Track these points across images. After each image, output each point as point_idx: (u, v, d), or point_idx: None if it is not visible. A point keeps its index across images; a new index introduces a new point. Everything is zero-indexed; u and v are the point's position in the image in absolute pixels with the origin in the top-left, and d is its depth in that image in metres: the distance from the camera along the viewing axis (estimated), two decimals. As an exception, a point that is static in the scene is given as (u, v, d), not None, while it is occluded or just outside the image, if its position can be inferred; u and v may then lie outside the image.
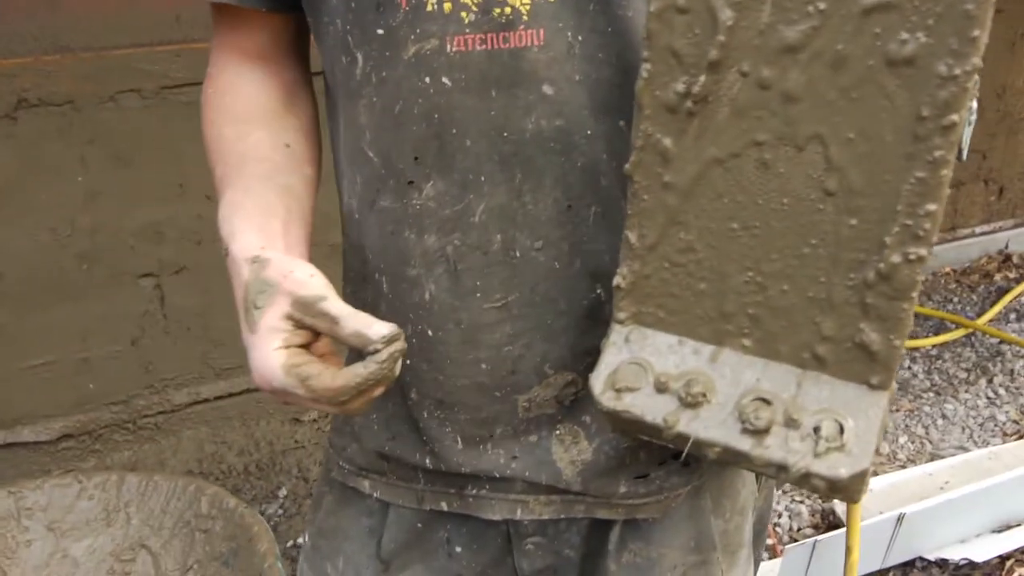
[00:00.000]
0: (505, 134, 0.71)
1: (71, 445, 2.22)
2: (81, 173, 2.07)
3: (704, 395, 0.64)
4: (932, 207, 0.57)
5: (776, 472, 0.62)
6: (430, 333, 0.77)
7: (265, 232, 0.73)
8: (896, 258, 0.58)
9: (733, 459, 0.64)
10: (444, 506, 0.84)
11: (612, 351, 0.69)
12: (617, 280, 0.68)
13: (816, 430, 0.60)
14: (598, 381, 0.68)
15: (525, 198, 0.72)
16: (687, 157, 0.63)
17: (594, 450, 0.79)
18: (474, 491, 0.82)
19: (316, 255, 2.26)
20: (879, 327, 0.59)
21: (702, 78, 0.61)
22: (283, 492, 2.33)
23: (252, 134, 0.81)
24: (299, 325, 0.66)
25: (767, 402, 0.62)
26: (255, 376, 0.68)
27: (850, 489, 0.60)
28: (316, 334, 0.68)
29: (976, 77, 0.62)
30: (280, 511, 2.28)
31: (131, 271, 2.17)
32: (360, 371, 0.65)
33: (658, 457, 0.80)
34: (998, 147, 3.73)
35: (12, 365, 2.11)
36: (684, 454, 0.65)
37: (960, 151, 0.69)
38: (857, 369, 0.61)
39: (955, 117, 0.55)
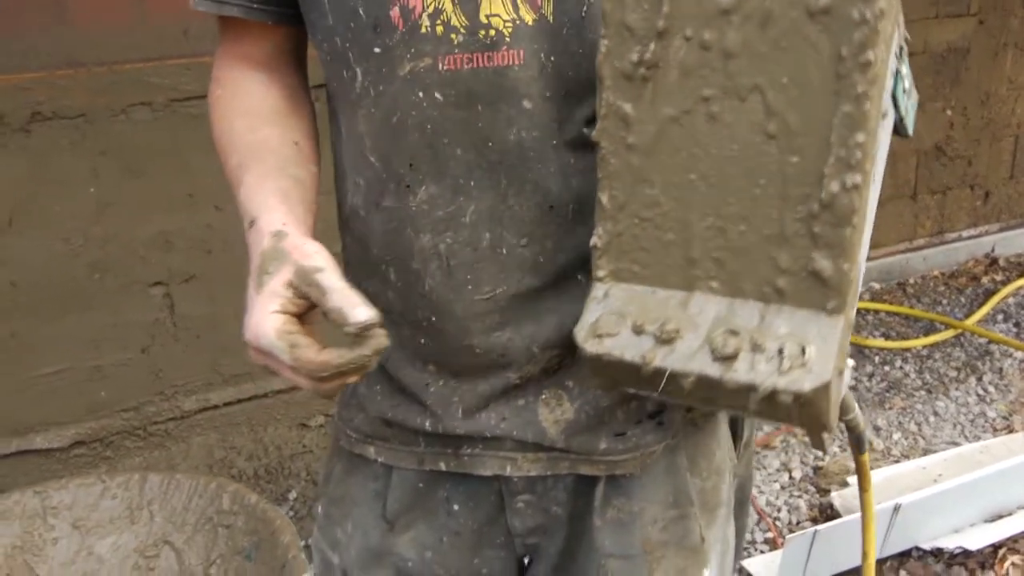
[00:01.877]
0: (490, 144, 0.78)
1: (83, 452, 2.26)
2: (93, 184, 2.12)
3: (677, 331, 0.70)
4: (861, 138, 0.63)
5: (747, 394, 0.67)
6: (433, 319, 0.84)
7: (288, 214, 0.79)
8: (835, 187, 0.64)
9: (706, 388, 0.69)
10: (443, 466, 0.91)
11: (593, 305, 0.74)
12: (594, 240, 0.75)
13: (780, 351, 0.66)
14: (581, 331, 0.74)
15: (510, 201, 0.79)
16: (646, 119, 0.70)
17: (576, 410, 0.86)
18: (468, 451, 0.89)
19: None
20: (828, 254, 0.66)
21: (652, 46, 0.68)
22: (293, 495, 2.37)
23: (263, 128, 0.87)
24: (298, 294, 0.71)
25: (735, 333, 0.68)
26: (248, 333, 0.71)
27: (816, 405, 0.66)
28: (311, 307, 0.73)
29: (899, 40, 0.70)
30: (291, 513, 2.32)
31: (142, 280, 2.21)
32: (344, 354, 0.69)
33: (635, 416, 0.87)
34: (983, 153, 3.81)
35: (25, 373, 2.15)
36: (659, 412, 0.71)
37: (899, 124, 0.76)
38: (814, 297, 0.67)
39: (870, 55, 0.62)
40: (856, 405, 0.97)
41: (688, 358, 0.69)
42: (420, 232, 0.81)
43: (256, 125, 0.87)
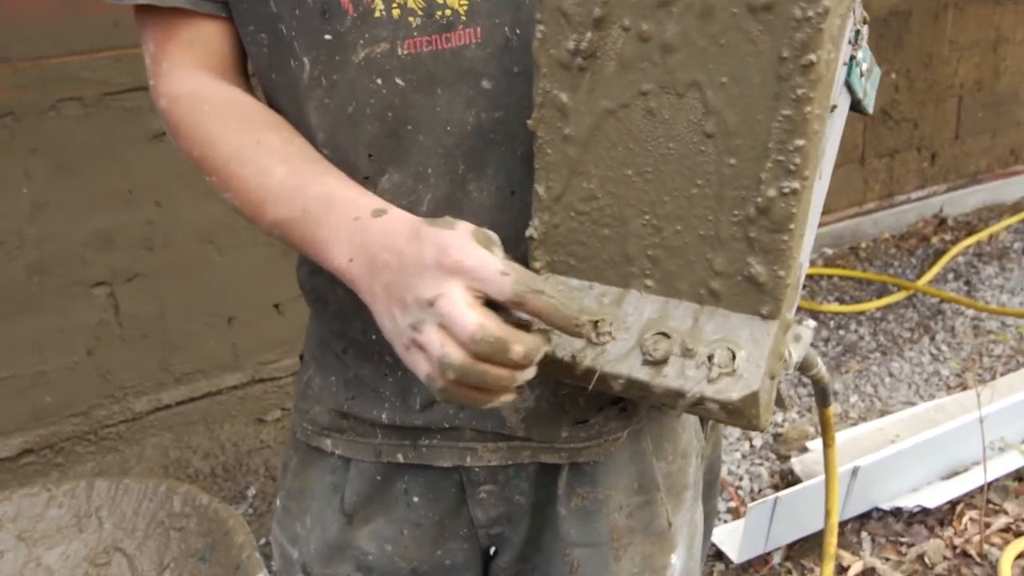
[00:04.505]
0: (448, 128, 0.75)
1: (32, 460, 2.20)
2: (25, 184, 2.05)
3: (609, 333, 0.69)
4: (800, 142, 0.61)
5: (675, 399, 0.66)
6: None
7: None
8: (772, 192, 0.63)
9: (637, 390, 0.68)
10: (400, 458, 0.88)
11: None
12: (530, 231, 0.73)
13: (710, 358, 0.65)
14: None
15: (469, 187, 0.76)
16: (583, 110, 0.68)
17: (536, 398, 0.83)
18: (427, 442, 0.87)
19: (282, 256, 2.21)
20: (764, 260, 0.64)
21: (589, 35, 0.65)
22: (251, 492, 2.33)
23: (297, 138, 0.79)
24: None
25: (666, 336, 0.67)
26: (453, 255, 0.63)
27: (744, 412, 0.64)
28: None
29: (854, 25, 0.67)
30: (250, 510, 2.28)
31: (83, 281, 2.15)
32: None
33: (597, 404, 0.85)
34: (928, 115, 3.85)
35: (-33, 382, 2.09)
36: (602, 396, 0.69)
37: (859, 101, 0.74)
38: (748, 301, 0.66)
39: (813, 57, 0.59)
40: (819, 360, 0.97)
41: (619, 360, 0.68)
42: None
43: (289, 137, 0.78)
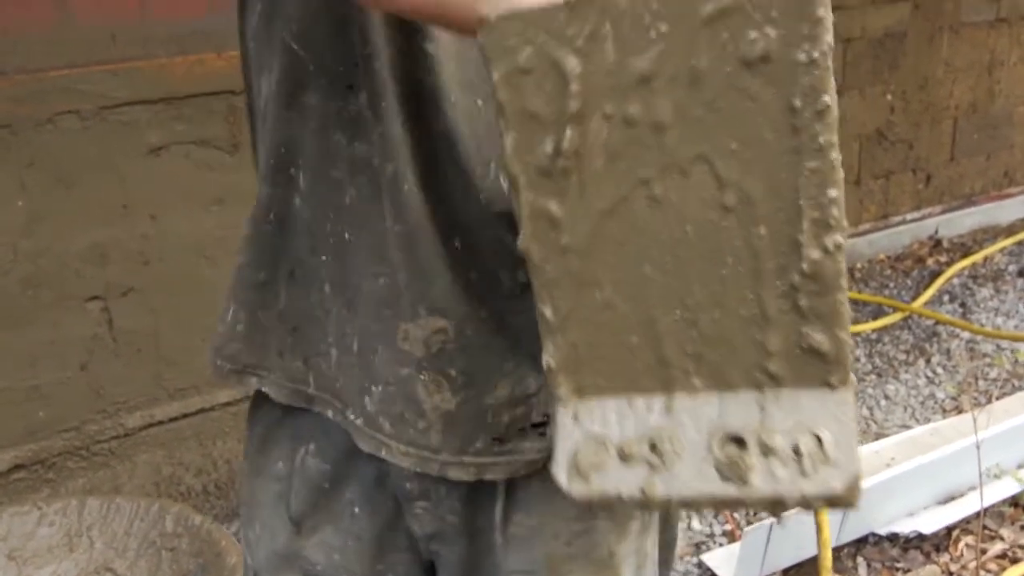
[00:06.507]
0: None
1: (23, 476, 2.18)
2: (21, 197, 2.04)
3: (673, 450, 0.61)
4: (833, 193, 0.56)
5: (774, 507, 0.59)
6: (346, 236, 0.80)
7: None
8: (816, 254, 0.57)
9: (729, 505, 0.61)
10: (330, 414, 0.86)
11: (564, 434, 0.64)
12: (545, 360, 0.64)
13: (795, 450, 0.58)
14: (561, 471, 0.63)
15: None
16: (577, 216, 0.61)
17: (457, 403, 0.81)
18: (354, 419, 0.85)
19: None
20: (821, 325, 0.58)
21: (568, 132, 0.59)
22: (244, 509, 2.32)
23: None
24: None
25: (738, 438, 0.60)
26: None
27: (848, 498, 0.58)
28: None
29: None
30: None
31: (77, 295, 2.14)
32: None
33: (520, 423, 0.82)
34: (923, 137, 3.86)
35: (-42, 396, 2.07)
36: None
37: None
38: (813, 374, 0.58)
39: (827, 99, 0.55)
40: None
41: (694, 480, 0.60)
42: (355, 140, 0.77)
43: None
